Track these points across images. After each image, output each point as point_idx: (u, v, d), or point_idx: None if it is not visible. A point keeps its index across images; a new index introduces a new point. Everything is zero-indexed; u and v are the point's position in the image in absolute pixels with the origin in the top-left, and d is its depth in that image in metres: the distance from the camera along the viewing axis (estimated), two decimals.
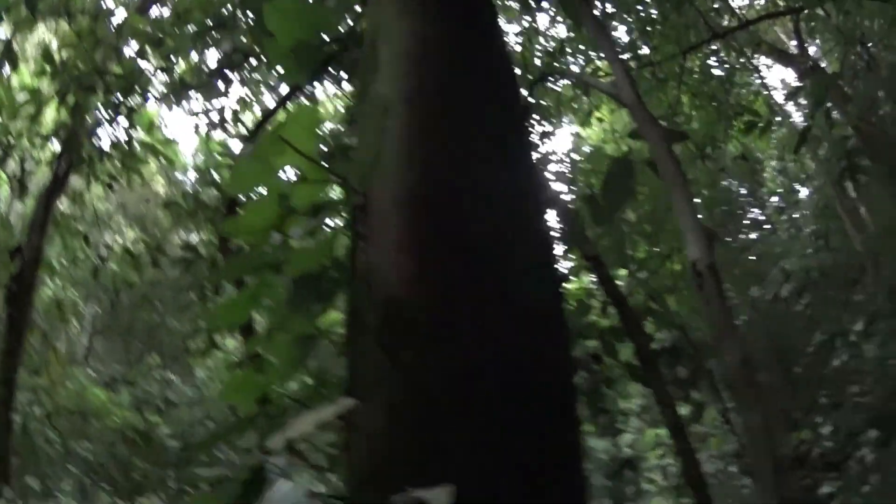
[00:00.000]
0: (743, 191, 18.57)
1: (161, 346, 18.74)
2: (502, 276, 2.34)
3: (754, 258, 17.50)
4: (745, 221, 18.35)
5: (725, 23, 12.56)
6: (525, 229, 2.55)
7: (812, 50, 15.32)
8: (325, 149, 6.31)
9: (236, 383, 2.92)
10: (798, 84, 12.43)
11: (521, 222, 2.55)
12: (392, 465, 2.08)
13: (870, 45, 12.02)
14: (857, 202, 13.21)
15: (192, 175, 14.39)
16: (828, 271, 13.63)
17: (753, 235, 18.35)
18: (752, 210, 18.61)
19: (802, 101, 13.30)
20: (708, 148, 13.13)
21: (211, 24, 8.96)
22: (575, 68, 12.69)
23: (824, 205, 14.41)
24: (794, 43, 15.12)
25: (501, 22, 7.46)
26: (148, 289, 16.02)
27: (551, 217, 6.02)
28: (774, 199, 17.61)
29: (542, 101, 12.23)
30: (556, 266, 2.81)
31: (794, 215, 15.68)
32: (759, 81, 15.11)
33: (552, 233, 2.91)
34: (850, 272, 12.73)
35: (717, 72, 13.47)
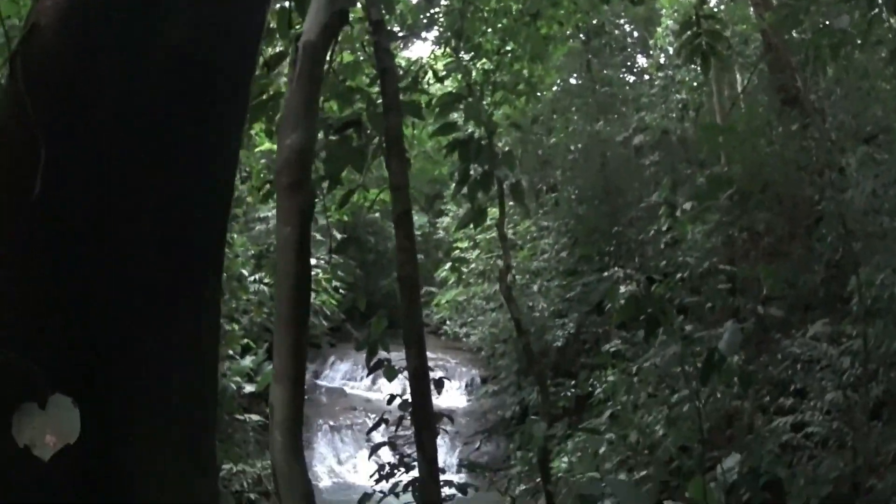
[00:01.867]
0: (636, 34, 18.32)
1: None
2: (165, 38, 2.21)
3: (616, 95, 17.54)
4: (627, 61, 18.21)
5: None
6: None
7: None
8: None
9: None
10: None
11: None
12: None
13: None
14: (740, 99, 13.26)
15: None
16: (685, 141, 13.85)
17: (631, 78, 18.34)
18: (637, 53, 18.48)
19: None
20: None
21: None
22: None
23: (703, 83, 14.44)
24: None
25: None
26: None
27: None
28: (661, 54, 17.39)
29: None
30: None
31: (675, 78, 15.66)
32: None
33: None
34: (702, 152, 12.95)
35: None
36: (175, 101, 2.21)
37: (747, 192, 11.49)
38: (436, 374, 19.60)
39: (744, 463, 7.13)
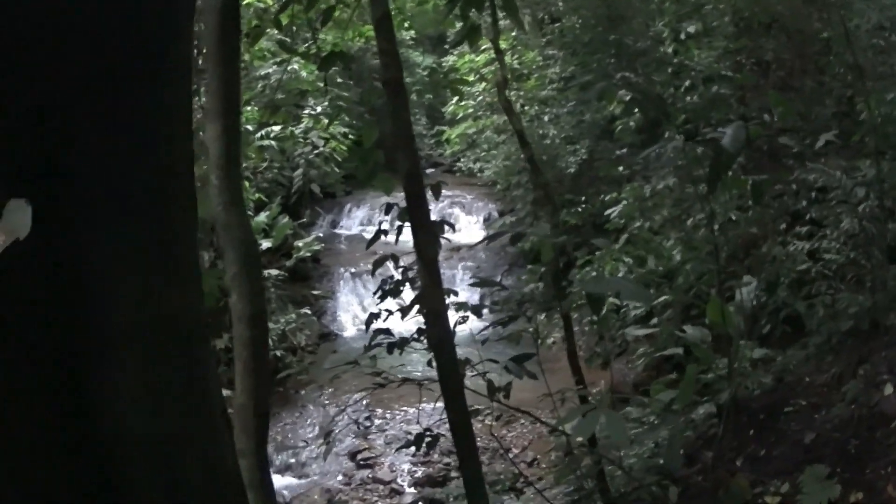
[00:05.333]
0: None
1: None
2: None
3: None
4: None
5: None
6: None
7: None
8: None
9: None
10: None
11: None
12: None
13: None
14: None
15: None
16: None
17: None
18: None
19: None
20: None
21: None
22: None
23: None
24: None
25: None
26: None
27: None
28: None
29: None
30: None
31: None
32: None
33: None
34: None
35: None
36: None
37: (752, 19, 11.40)
38: (453, 210, 19.85)
39: (759, 288, 7.24)
